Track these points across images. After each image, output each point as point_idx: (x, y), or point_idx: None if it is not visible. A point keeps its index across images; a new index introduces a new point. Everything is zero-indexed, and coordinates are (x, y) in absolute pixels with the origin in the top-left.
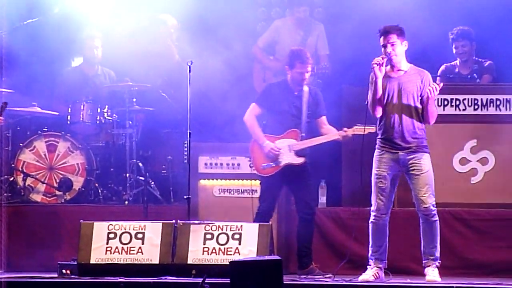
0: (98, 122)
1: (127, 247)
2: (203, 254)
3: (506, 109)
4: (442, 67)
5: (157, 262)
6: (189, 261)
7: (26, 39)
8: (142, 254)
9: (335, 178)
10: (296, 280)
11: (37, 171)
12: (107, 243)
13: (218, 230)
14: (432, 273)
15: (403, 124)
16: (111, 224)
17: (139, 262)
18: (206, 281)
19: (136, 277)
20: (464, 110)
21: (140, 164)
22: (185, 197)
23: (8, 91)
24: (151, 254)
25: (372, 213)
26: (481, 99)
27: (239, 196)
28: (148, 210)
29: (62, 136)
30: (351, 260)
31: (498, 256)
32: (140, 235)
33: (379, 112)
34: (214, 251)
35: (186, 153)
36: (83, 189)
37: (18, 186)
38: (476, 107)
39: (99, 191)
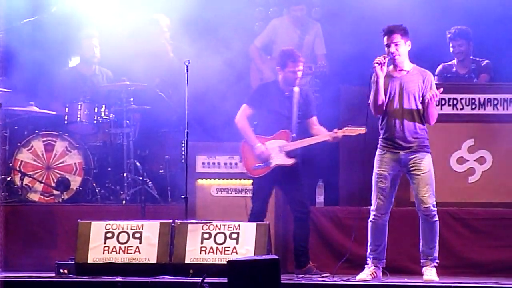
0: (95, 121)
1: (125, 247)
2: (200, 253)
3: (503, 109)
4: (440, 67)
5: (154, 261)
6: (187, 261)
7: (23, 38)
8: (140, 253)
9: (332, 177)
10: (293, 279)
11: (34, 171)
12: (105, 243)
13: (215, 230)
14: (429, 273)
15: (404, 124)
16: (109, 224)
17: (137, 262)
18: (204, 280)
19: (134, 276)
20: (461, 109)
21: (138, 164)
22: (182, 196)
23: (5, 90)
24: (148, 253)
25: (372, 212)
26: (479, 99)
27: (237, 195)
28: (145, 209)
29: (60, 135)
30: (349, 259)
31: (496, 256)
32: (137, 235)
33: (380, 112)
34: (211, 250)
35: (183, 153)
36: (80, 188)
37: (15, 186)
38: (473, 106)
39: (97, 190)
